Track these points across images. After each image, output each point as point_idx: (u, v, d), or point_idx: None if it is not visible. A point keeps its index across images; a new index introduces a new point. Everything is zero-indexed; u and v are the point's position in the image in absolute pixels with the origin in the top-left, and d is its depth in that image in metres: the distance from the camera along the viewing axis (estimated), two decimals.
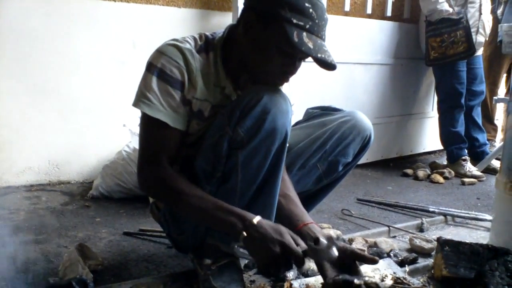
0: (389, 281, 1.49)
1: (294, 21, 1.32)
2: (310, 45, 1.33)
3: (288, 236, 1.31)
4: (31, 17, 2.61)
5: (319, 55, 1.34)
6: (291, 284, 1.51)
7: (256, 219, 1.33)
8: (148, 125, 1.43)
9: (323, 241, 1.35)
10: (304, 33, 1.33)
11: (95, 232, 2.12)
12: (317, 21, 1.34)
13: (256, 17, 1.37)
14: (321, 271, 1.35)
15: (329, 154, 1.73)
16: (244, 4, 1.44)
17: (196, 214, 1.41)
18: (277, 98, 1.37)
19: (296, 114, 1.75)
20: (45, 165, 2.80)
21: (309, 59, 1.39)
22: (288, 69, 1.41)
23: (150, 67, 1.41)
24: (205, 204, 1.37)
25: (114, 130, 2.87)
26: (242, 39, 1.42)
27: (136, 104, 1.42)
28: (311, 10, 1.33)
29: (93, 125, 2.88)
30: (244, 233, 1.31)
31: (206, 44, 1.48)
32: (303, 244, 1.34)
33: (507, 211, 1.86)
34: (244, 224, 1.32)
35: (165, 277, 1.60)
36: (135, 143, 2.61)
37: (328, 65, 1.38)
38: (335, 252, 1.36)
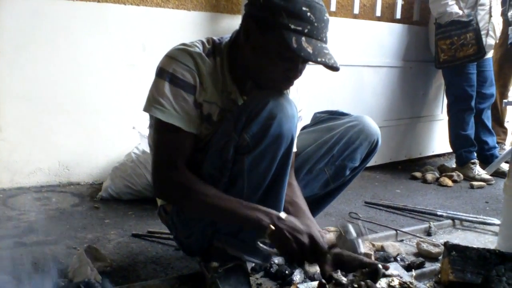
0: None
1: (292, 26, 1.32)
2: (310, 49, 1.32)
3: (315, 229, 1.36)
4: (41, 20, 2.64)
5: (319, 59, 1.33)
6: None
7: (283, 214, 1.37)
8: (162, 130, 1.44)
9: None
10: (303, 38, 1.32)
11: (104, 233, 2.13)
12: (316, 24, 1.34)
13: (255, 24, 1.38)
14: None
15: (336, 159, 1.73)
16: (244, 11, 1.44)
17: (218, 214, 1.43)
18: (283, 103, 1.38)
19: (305, 119, 1.75)
20: (55, 167, 2.82)
21: None
22: (291, 74, 1.41)
23: (161, 72, 1.42)
24: (227, 203, 1.39)
25: (123, 132, 2.89)
26: (244, 45, 1.43)
27: (148, 109, 1.43)
28: (309, 13, 1.32)
29: (103, 127, 2.90)
30: (272, 227, 1.34)
31: (213, 49, 1.49)
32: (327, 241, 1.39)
33: None
34: (271, 218, 1.35)
35: (172, 279, 1.61)
36: (144, 146, 2.63)
37: (330, 67, 1.37)
38: (360, 246, 1.41)
